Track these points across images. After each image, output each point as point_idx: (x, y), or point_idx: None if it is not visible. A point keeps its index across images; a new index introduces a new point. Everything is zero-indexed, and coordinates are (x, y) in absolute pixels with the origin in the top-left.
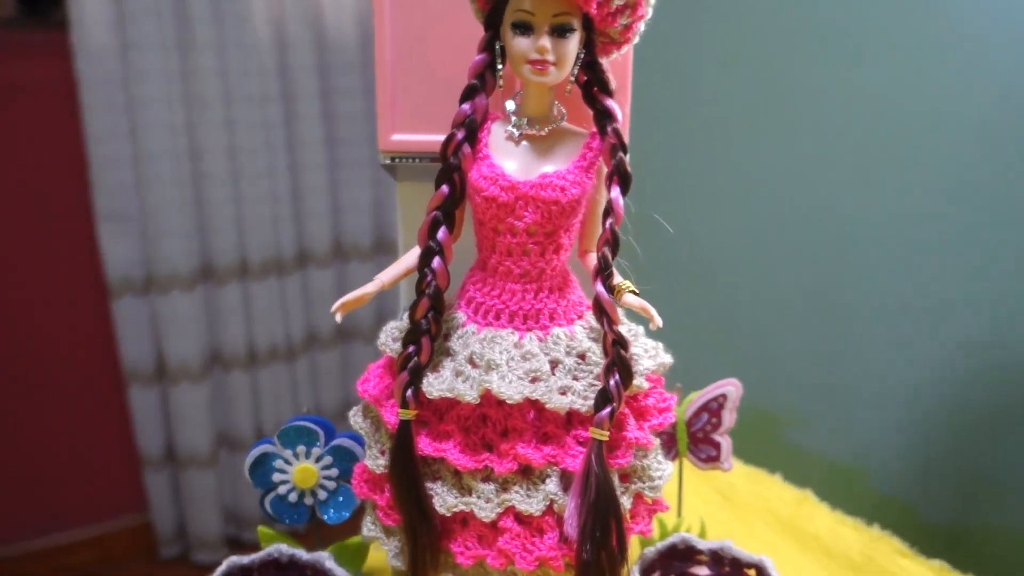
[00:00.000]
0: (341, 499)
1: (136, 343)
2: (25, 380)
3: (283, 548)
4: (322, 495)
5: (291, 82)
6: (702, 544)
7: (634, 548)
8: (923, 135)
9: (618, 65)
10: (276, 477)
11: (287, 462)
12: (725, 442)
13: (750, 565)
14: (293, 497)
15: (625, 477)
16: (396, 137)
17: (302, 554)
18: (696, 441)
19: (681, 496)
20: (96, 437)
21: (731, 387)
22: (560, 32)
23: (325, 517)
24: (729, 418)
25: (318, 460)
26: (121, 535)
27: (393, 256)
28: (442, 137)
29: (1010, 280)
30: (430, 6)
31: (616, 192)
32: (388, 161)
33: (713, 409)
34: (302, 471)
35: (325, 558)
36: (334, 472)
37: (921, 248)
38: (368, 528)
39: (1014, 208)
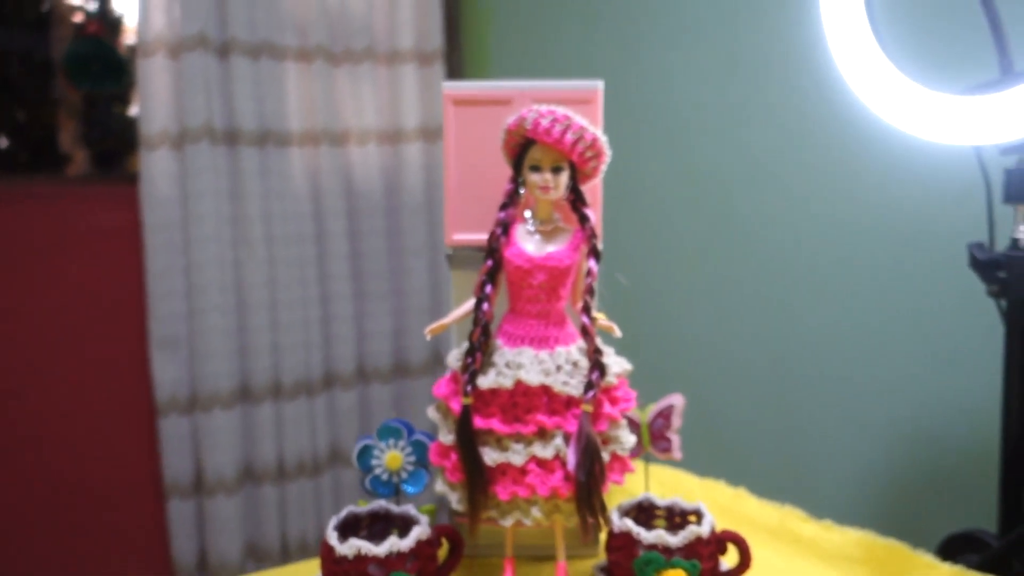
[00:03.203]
0: (417, 478)
1: (178, 458)
2: (70, 491)
3: (382, 503)
4: (404, 475)
5: (323, 224)
6: (660, 502)
7: (613, 500)
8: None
9: (592, 187)
10: (373, 462)
11: (381, 451)
12: (675, 438)
13: (692, 512)
14: (384, 476)
15: (604, 441)
16: (456, 236)
17: (394, 507)
18: (655, 437)
19: (648, 477)
20: (134, 547)
21: (677, 398)
22: (556, 171)
23: (407, 491)
24: (677, 420)
25: (402, 450)
26: None
27: (409, 378)
28: (486, 235)
29: (936, 364)
30: (477, 155)
31: (592, 262)
32: (450, 252)
33: (665, 414)
34: (391, 458)
35: (410, 509)
36: (413, 459)
37: (861, 339)
38: (440, 487)
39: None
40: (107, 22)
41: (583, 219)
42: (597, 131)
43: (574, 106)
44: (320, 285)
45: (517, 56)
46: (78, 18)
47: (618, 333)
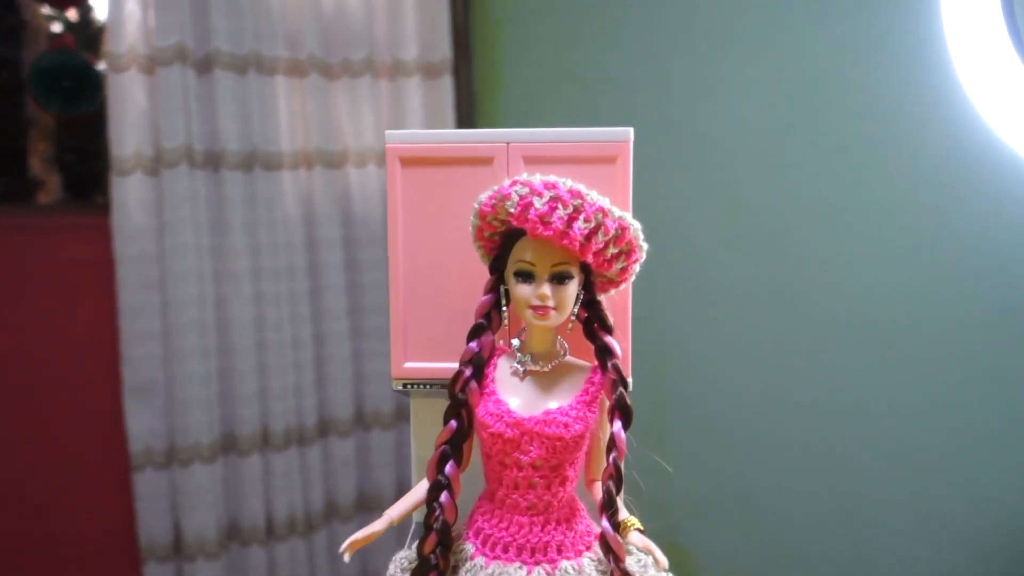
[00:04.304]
0: None
1: (154, 517)
2: (36, 553)
3: None
4: None
5: (317, 255)
6: None
7: None
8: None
9: (618, 301)
10: None
11: None
12: None
13: None
14: None
15: None
16: (408, 365)
17: None
18: None
19: None
20: None
21: None
22: (559, 279)
23: None
24: None
25: None
26: None
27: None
28: (451, 365)
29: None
30: (440, 246)
31: (618, 426)
32: (400, 388)
33: None
34: None
35: None
36: None
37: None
38: None
39: None
40: (85, 34)
41: (604, 354)
42: (626, 214)
43: (592, 167)
44: (313, 323)
45: (533, 67)
46: (57, 27)
47: (664, 563)
